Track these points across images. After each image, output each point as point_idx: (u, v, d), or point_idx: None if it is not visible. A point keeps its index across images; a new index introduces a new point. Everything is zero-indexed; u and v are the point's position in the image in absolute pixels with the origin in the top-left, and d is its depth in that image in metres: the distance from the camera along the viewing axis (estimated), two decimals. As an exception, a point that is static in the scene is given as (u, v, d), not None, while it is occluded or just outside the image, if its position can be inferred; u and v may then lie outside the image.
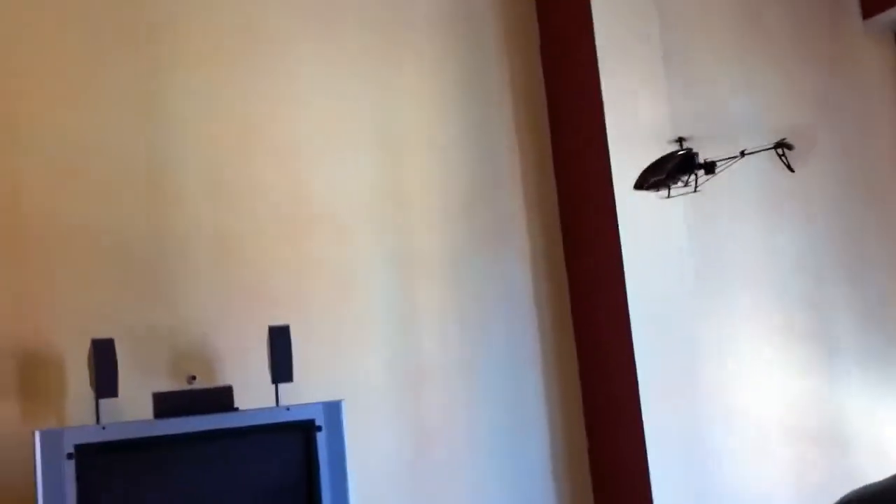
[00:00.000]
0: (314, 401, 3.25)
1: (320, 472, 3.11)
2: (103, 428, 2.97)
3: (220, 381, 3.45)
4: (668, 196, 3.77)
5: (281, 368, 3.40)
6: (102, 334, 3.19)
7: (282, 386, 3.39)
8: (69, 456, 2.84)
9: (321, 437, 3.13)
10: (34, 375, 3.34)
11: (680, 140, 3.77)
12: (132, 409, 3.27)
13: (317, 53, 3.96)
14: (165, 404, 3.11)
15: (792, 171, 3.78)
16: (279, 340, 3.39)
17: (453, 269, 4.06)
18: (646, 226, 4.07)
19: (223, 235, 3.68)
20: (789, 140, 3.77)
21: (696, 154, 3.71)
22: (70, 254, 3.44)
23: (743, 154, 3.77)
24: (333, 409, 3.18)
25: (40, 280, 3.40)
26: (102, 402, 3.16)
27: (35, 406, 3.32)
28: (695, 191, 3.75)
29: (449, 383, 3.98)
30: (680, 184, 3.72)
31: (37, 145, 3.48)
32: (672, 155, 3.69)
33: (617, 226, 4.01)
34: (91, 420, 3.18)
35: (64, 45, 3.56)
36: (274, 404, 3.31)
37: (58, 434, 2.87)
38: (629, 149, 4.04)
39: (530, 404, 4.12)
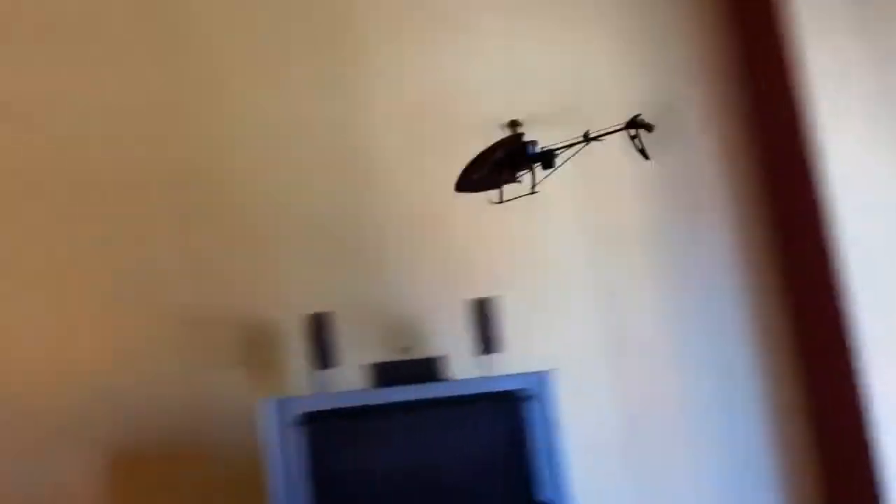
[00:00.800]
0: (518, 372, 3.26)
1: (533, 441, 3.12)
2: (323, 397, 3.08)
3: (429, 353, 3.52)
4: (501, 201, 2.95)
5: (488, 340, 3.43)
6: (320, 309, 3.32)
7: (486, 358, 3.44)
8: (295, 422, 2.96)
9: (533, 407, 3.14)
10: (260, 348, 3.52)
11: (513, 123, 2.92)
12: (347, 379, 3.38)
13: (498, 26, 3.97)
14: (382, 374, 3.20)
15: (646, 157, 2.93)
16: (484, 312, 3.42)
17: (653, 238, 4.00)
18: (858, 189, 3.89)
19: (426, 212, 3.75)
20: (644, 117, 2.89)
21: (530, 143, 2.87)
22: (288, 234, 3.61)
23: (587, 138, 2.90)
24: (544, 379, 3.19)
25: (265, 259, 3.58)
26: (321, 372, 3.31)
27: (261, 375, 3.50)
28: (532, 191, 2.92)
29: (655, 354, 3.92)
30: (518, 181, 2.96)
31: (242, 132, 3.65)
32: (497, 144, 2.90)
33: (825, 187, 3.85)
34: (309, 389, 3.33)
35: (259, 36, 3.73)
36: (481, 375, 3.37)
37: (284, 402, 2.99)
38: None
39: (739, 375, 4.00)
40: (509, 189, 3.08)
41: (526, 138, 2.87)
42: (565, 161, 2.83)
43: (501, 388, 3.16)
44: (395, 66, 3.85)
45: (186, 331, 3.47)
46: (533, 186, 2.92)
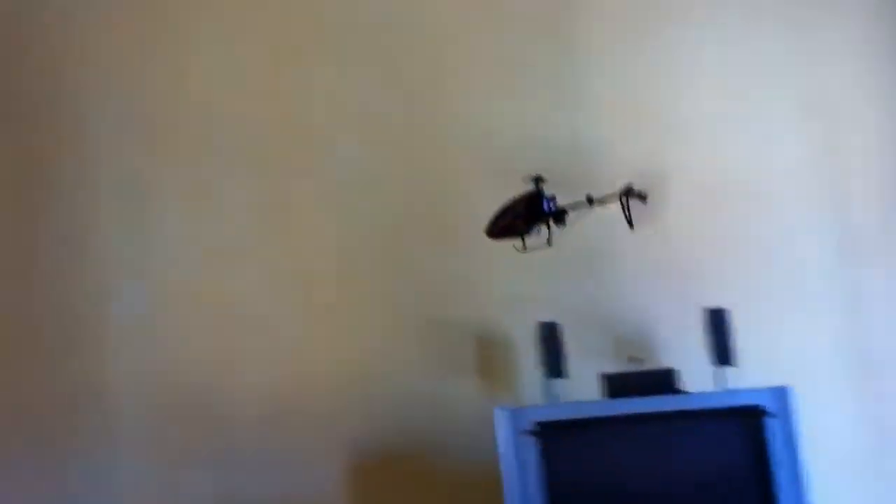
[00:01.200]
0: (754, 386, 3.15)
1: (773, 460, 3.01)
2: (556, 407, 3.09)
3: (658, 364, 3.47)
4: (524, 249, 3.17)
5: (721, 351, 3.34)
6: (546, 317, 3.32)
7: (720, 371, 3.35)
8: (529, 432, 2.98)
9: (772, 424, 3.03)
10: (491, 356, 3.58)
11: (537, 179, 3.13)
12: (577, 388, 3.38)
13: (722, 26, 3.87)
14: (615, 385, 3.18)
15: (631, 226, 3.09)
16: (718, 323, 3.34)
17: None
18: None
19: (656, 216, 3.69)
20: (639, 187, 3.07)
21: (550, 199, 3.10)
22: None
23: (591, 201, 3.09)
24: (782, 395, 3.07)
25: (494, 271, 3.62)
26: (552, 381, 3.32)
27: (492, 384, 3.56)
28: (548, 244, 3.14)
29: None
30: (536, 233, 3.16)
31: (465, 140, 3.72)
32: (518, 199, 3.15)
33: None
34: (540, 398, 3.35)
35: (484, 42, 3.78)
36: (713, 388, 3.29)
37: (518, 412, 3.02)
38: None
39: None
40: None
41: (547, 194, 3.20)
42: (575, 221, 3.13)
43: (740, 403, 3.06)
44: (617, 68, 3.81)
45: (421, 335, 3.58)
46: (548, 240, 3.21)
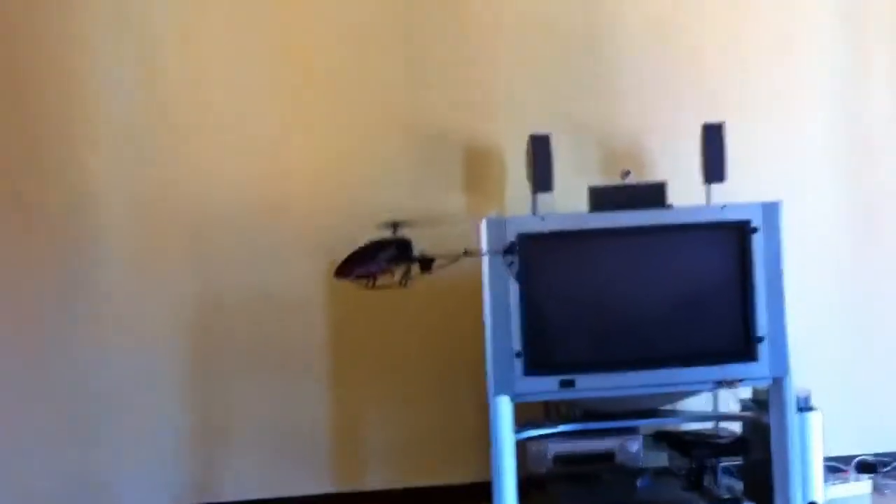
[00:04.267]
0: (746, 201, 3.11)
1: (755, 274, 3.01)
2: (542, 219, 3.07)
3: (652, 178, 3.42)
4: (373, 287, 3.03)
5: (714, 167, 3.29)
6: (539, 128, 3.27)
7: (714, 186, 3.31)
8: (512, 243, 2.97)
9: (757, 239, 3.00)
10: (478, 167, 3.55)
11: (394, 226, 3.05)
12: (564, 202, 3.36)
13: None
14: (601, 198, 3.14)
15: (518, 281, 2.95)
16: (713, 138, 3.28)
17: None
18: None
19: (658, 23, 3.59)
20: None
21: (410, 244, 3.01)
22: (510, 49, 3.55)
23: (467, 253, 2.94)
24: (771, 210, 3.02)
25: (484, 75, 3.55)
26: (539, 195, 3.30)
27: (478, 196, 3.54)
28: (403, 285, 3.01)
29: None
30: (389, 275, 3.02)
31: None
32: (385, 242, 3.02)
33: None
34: (527, 210, 3.33)
35: None
36: (704, 203, 3.25)
37: (501, 223, 3.00)
38: None
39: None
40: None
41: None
42: (441, 267, 2.98)
43: (724, 219, 3.03)
44: None
45: (408, 142, 3.53)
46: (403, 281, 3.04)
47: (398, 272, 3.05)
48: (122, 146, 3.46)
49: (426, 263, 3.01)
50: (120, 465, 3.44)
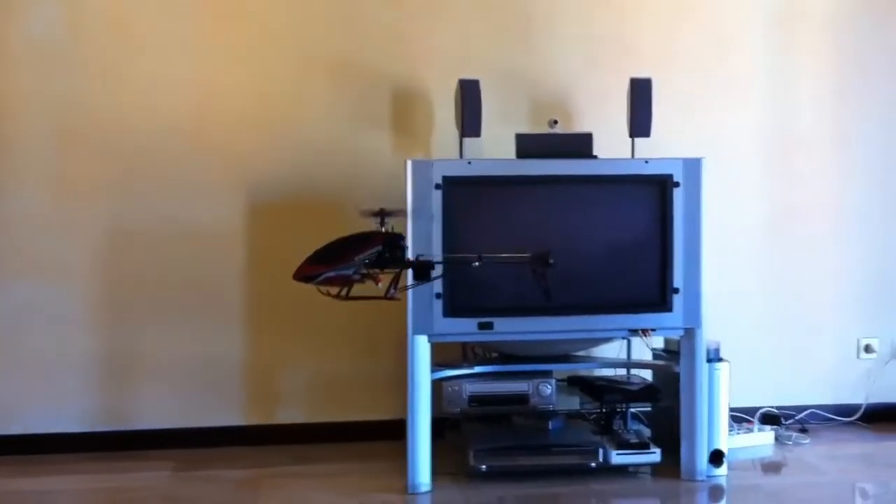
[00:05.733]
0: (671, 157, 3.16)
1: (674, 228, 3.07)
2: (469, 163, 3.08)
3: (579, 130, 3.45)
4: (347, 297, 2.43)
5: (639, 122, 3.32)
6: (469, 76, 3.27)
7: (638, 141, 3.35)
8: (437, 186, 2.98)
9: (678, 193, 3.06)
10: (406, 110, 3.54)
11: (381, 216, 2.49)
12: (492, 148, 3.38)
13: None
14: (528, 145, 3.16)
15: (548, 298, 2.61)
16: (640, 93, 3.30)
17: (836, 32, 3.73)
18: None
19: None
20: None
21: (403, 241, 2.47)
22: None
23: (481, 259, 2.56)
24: (693, 166, 3.08)
25: (416, 22, 3.53)
26: (466, 140, 3.30)
27: (405, 138, 3.53)
28: (390, 298, 2.43)
29: (819, 155, 3.75)
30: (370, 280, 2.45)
31: None
32: (369, 237, 2.44)
33: None
34: (454, 155, 3.34)
35: None
36: (630, 157, 3.30)
37: (428, 165, 3.01)
38: None
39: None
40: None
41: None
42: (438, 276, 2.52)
43: (647, 172, 3.08)
44: None
45: (334, 82, 3.50)
46: (390, 293, 2.46)
47: (384, 279, 2.39)
48: (40, 71, 3.37)
49: (423, 270, 2.40)
50: (30, 395, 3.40)
